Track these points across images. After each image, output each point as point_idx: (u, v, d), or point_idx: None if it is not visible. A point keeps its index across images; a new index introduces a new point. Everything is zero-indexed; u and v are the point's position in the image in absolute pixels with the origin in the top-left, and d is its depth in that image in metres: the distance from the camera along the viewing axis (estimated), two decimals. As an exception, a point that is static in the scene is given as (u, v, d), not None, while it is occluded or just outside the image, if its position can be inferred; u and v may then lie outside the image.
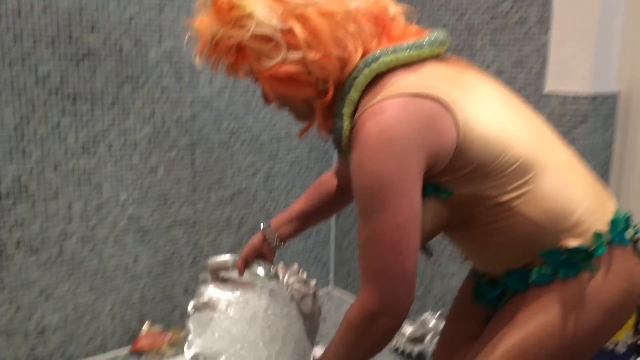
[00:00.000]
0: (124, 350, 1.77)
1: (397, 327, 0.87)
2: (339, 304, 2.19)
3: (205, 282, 1.31)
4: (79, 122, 1.59)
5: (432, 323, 1.83)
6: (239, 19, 0.83)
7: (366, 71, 0.85)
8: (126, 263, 1.74)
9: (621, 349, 1.45)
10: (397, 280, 0.84)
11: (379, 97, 0.83)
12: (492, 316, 1.01)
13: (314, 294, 1.29)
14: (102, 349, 1.74)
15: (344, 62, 0.85)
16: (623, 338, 1.46)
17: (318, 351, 1.17)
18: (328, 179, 1.18)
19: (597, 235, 0.89)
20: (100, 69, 1.60)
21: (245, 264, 1.22)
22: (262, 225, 1.20)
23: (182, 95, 1.76)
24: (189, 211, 1.84)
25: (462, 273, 1.80)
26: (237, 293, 1.29)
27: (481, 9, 1.69)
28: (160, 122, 1.73)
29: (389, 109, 0.82)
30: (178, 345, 1.80)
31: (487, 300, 1.04)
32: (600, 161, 1.61)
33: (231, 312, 1.27)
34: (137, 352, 1.76)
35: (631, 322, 1.48)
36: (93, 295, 1.69)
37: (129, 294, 1.76)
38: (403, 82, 0.84)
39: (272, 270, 1.28)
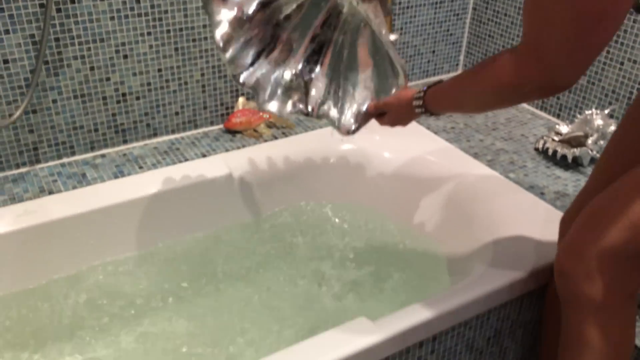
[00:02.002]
0: (216, 128, 1.59)
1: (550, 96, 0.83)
2: (469, 93, 1.87)
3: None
4: None
5: (597, 122, 1.48)
6: None
7: None
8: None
9: None
10: (583, 55, 0.72)
11: None
12: None
13: None
14: (192, 123, 1.55)
15: None
16: None
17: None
18: None
19: None
20: None
21: None
22: None
23: None
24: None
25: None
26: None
27: None
28: None
29: None
30: (277, 127, 1.59)
31: None
32: None
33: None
34: (231, 131, 1.57)
35: None
36: (179, 58, 1.45)
37: (221, 61, 1.51)
38: None
39: None
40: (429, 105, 1.01)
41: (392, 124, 1.15)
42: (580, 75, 0.76)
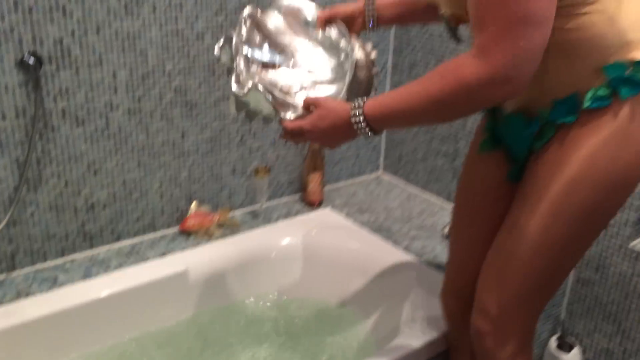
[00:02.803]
0: (173, 230, 1.81)
1: (516, 95, 0.84)
2: (389, 189, 2.19)
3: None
4: (121, -23, 1.49)
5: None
6: None
7: None
8: (173, 139, 1.72)
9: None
10: (537, 29, 0.80)
11: None
12: (521, 168, 1.04)
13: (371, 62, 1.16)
14: (151, 227, 1.77)
15: None
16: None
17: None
18: None
19: None
20: None
21: (328, 21, 1.15)
22: None
23: (231, -50, 1.64)
24: (237, 85, 1.79)
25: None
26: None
27: None
28: (208, -19, 1.63)
29: None
30: (226, 227, 1.83)
31: (517, 141, 1.02)
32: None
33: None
34: (186, 232, 1.79)
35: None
36: (141, 172, 1.69)
37: (177, 172, 1.76)
38: None
39: (347, 38, 1.14)
40: (372, 119, 0.95)
41: (316, 134, 1.00)
42: (540, 57, 0.83)
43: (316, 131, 1.00)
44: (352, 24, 1.19)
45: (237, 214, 1.93)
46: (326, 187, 2.14)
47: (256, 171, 1.88)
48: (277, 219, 1.92)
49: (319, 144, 1.01)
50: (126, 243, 1.72)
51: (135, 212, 1.72)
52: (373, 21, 1.17)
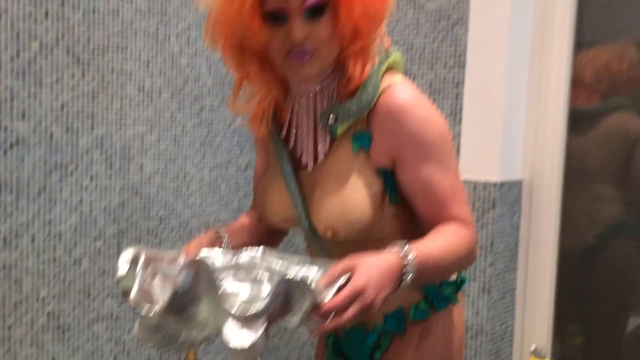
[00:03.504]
0: None
1: None
2: (265, 396, 2.24)
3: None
4: (2, 214, 1.58)
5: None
6: None
7: (390, 58, 1.05)
8: (43, 365, 1.70)
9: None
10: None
11: (393, 81, 1.03)
12: None
13: None
14: None
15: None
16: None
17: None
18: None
19: (461, 272, 1.17)
20: (28, 158, 1.62)
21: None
22: (214, 226, 1.16)
23: (111, 182, 1.81)
24: (112, 305, 1.85)
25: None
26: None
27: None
28: (88, 211, 1.76)
29: (412, 89, 1.03)
30: None
31: (358, 352, 1.16)
32: (509, 244, 1.89)
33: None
34: None
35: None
36: (5, 405, 1.62)
37: (45, 400, 1.71)
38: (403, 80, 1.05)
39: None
40: (421, 264, 0.92)
41: (373, 288, 0.84)
42: None
43: (372, 284, 0.85)
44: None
45: None
46: (202, 400, 2.14)
47: (130, 391, 1.86)
48: None
49: (372, 307, 0.85)
50: None
51: None
52: (229, 246, 1.17)
